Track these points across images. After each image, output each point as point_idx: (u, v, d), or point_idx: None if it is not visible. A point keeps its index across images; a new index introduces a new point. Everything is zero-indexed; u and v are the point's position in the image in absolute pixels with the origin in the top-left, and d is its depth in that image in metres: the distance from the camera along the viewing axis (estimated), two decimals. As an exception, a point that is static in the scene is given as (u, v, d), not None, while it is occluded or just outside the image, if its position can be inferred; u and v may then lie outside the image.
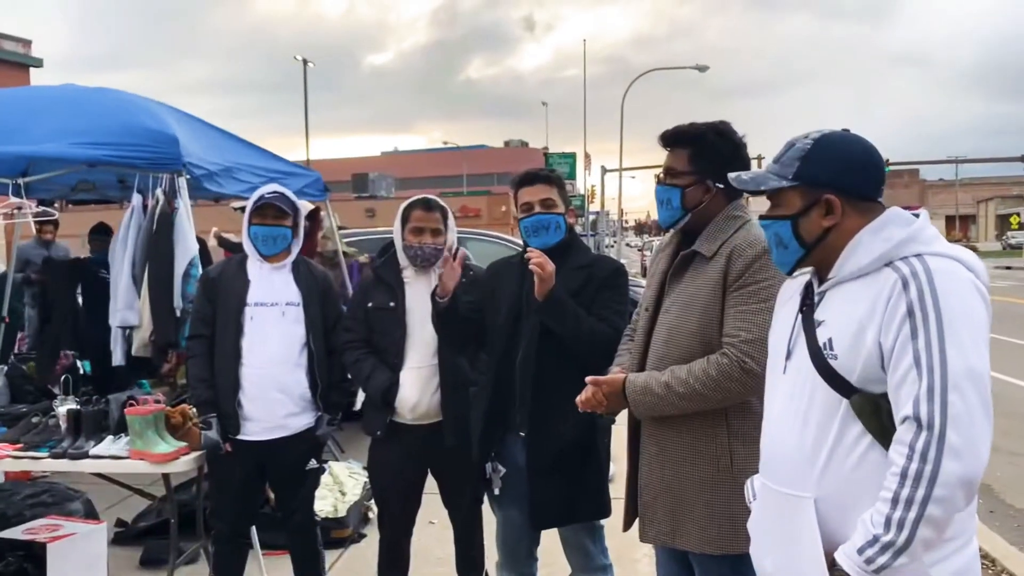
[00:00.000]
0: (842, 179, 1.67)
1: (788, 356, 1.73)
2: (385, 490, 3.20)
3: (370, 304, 3.15)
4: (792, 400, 1.70)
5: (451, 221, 3.15)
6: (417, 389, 3.04)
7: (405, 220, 3.09)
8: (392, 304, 3.09)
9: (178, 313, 4.11)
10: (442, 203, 3.15)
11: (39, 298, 6.45)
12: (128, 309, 4.22)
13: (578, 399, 2.34)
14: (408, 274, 3.13)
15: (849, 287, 1.63)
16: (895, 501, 1.47)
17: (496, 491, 2.82)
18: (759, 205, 1.87)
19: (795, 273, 1.79)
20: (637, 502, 2.34)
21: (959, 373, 1.46)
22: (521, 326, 2.73)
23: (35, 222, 7.10)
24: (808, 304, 1.72)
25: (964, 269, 1.56)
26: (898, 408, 1.52)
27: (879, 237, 1.62)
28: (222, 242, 5.92)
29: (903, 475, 1.46)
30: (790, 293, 1.82)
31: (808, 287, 1.75)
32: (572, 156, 39.45)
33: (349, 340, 3.19)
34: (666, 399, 2.16)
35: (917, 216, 1.67)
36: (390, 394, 3.04)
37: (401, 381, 3.05)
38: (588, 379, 2.32)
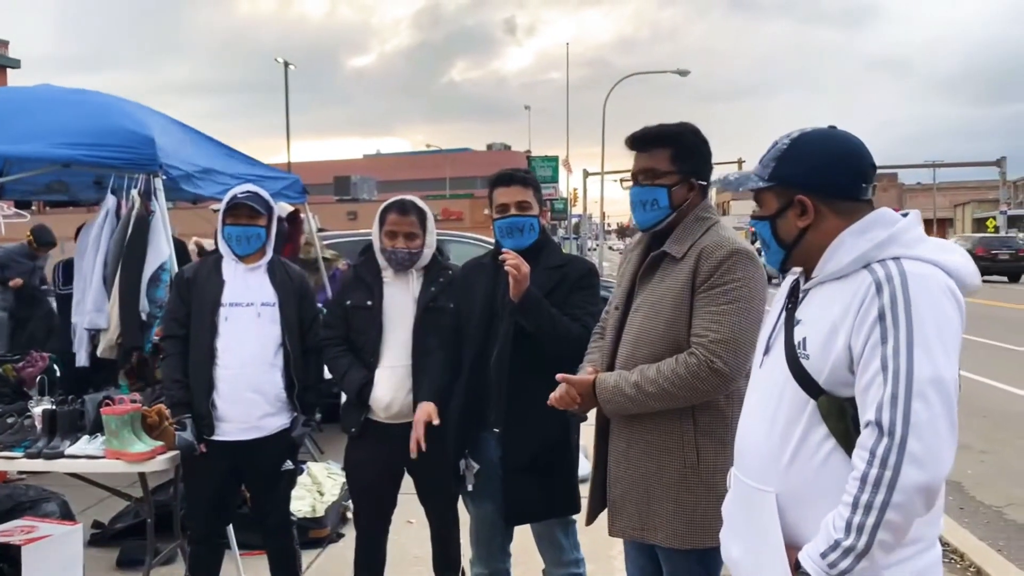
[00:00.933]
0: (814, 179, 1.65)
1: (767, 351, 1.75)
2: (361, 488, 3.21)
3: (348, 302, 3.15)
4: (764, 395, 1.71)
5: (430, 224, 3.12)
6: (391, 389, 3.04)
7: (381, 223, 3.10)
8: (369, 303, 3.09)
9: (143, 317, 4.08)
10: (420, 205, 3.13)
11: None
12: (97, 312, 4.18)
13: (551, 397, 2.37)
14: (388, 275, 3.12)
15: (828, 288, 1.63)
16: (855, 505, 1.47)
17: (469, 487, 2.85)
18: (745, 207, 1.89)
19: (788, 271, 1.79)
20: (604, 496, 2.37)
21: (925, 381, 1.45)
22: (495, 326, 2.76)
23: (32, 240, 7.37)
24: (793, 302, 1.72)
25: (942, 274, 1.54)
26: (863, 412, 1.52)
27: (863, 238, 1.60)
28: (202, 252, 5.90)
29: (863, 480, 1.47)
30: (784, 290, 1.82)
31: (797, 284, 1.76)
32: (555, 159, 39.54)
33: (328, 337, 3.19)
34: (636, 399, 2.19)
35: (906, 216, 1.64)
36: (364, 392, 3.04)
37: (376, 380, 3.05)
38: (559, 376, 2.35)
